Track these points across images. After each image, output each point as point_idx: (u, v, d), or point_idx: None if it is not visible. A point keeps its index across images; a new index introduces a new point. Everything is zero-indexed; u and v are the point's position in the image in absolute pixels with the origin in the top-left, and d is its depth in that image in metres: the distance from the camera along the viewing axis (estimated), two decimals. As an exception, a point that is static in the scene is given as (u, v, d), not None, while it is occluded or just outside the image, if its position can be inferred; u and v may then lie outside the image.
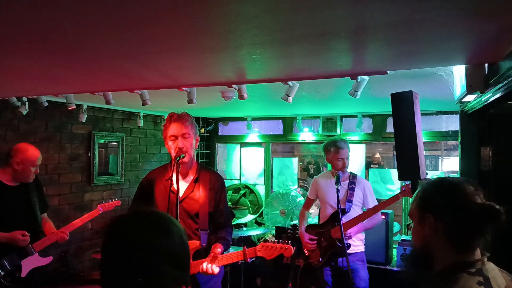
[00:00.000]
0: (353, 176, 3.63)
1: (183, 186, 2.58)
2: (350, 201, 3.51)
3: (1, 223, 3.03)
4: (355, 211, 3.52)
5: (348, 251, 3.37)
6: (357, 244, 3.54)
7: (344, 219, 3.39)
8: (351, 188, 3.55)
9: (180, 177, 2.56)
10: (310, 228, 3.67)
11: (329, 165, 5.48)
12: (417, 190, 1.37)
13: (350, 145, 5.09)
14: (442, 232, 1.24)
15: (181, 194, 2.55)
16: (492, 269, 1.24)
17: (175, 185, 2.52)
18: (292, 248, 2.45)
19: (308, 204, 3.85)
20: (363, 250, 3.62)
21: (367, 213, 3.38)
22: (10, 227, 3.03)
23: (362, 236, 3.61)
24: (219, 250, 2.39)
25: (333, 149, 3.55)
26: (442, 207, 1.24)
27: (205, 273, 2.35)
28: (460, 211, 1.22)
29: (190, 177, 2.59)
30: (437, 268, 1.28)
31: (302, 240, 3.63)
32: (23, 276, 3.08)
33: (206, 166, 2.73)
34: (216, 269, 2.35)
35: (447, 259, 1.25)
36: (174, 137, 2.49)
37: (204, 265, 2.35)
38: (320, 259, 3.52)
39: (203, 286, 2.47)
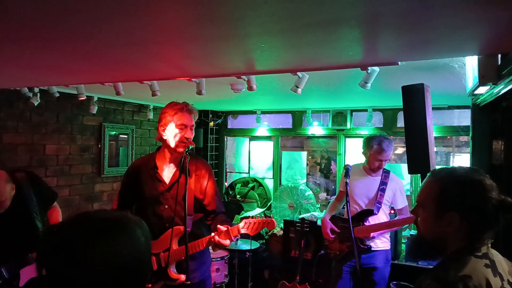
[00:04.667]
0: (385, 175, 3.46)
1: (169, 173, 2.57)
2: (379, 203, 3.38)
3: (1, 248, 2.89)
4: (383, 211, 3.42)
5: (372, 249, 3.33)
6: (381, 242, 3.42)
7: (371, 221, 3.35)
8: (381, 189, 3.40)
9: (166, 165, 2.58)
10: (335, 219, 3.56)
11: (338, 156, 5.46)
12: (427, 179, 1.37)
13: (359, 139, 5.06)
14: (465, 229, 1.26)
15: (167, 181, 2.55)
16: (497, 254, 1.30)
17: (163, 175, 2.55)
18: (274, 221, 2.43)
19: (340, 197, 3.68)
20: (388, 248, 3.47)
21: (396, 223, 3.28)
22: (11, 251, 2.89)
23: (387, 234, 3.48)
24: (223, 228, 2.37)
25: (376, 148, 3.33)
26: (469, 207, 1.26)
27: (218, 245, 2.34)
28: (485, 209, 1.24)
29: (177, 164, 2.58)
30: (445, 254, 1.31)
31: (323, 228, 3.52)
32: (21, 286, 2.92)
33: (192, 154, 2.65)
34: (224, 241, 2.33)
35: (455, 246, 1.28)
36: (184, 126, 2.48)
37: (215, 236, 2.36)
38: (338, 252, 3.47)
39: (191, 274, 2.44)
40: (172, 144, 2.49)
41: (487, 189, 1.25)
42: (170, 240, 2.44)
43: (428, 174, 1.41)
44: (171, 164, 2.57)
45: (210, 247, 2.50)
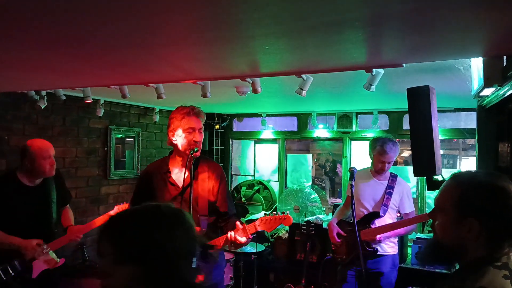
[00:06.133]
0: (392, 179, 3.44)
1: (181, 177, 2.58)
2: (386, 206, 3.36)
3: (15, 225, 2.97)
4: (390, 214, 3.40)
5: (378, 253, 3.31)
6: (388, 246, 3.40)
7: (378, 223, 3.33)
8: (388, 193, 3.39)
9: (178, 169, 2.60)
10: (342, 223, 3.55)
11: (343, 159, 5.45)
12: (447, 182, 1.32)
13: (365, 142, 5.04)
14: (485, 237, 1.22)
15: (180, 185, 2.57)
16: None
17: (176, 178, 2.56)
18: (291, 217, 2.43)
19: (347, 203, 3.62)
20: (396, 253, 3.45)
21: (401, 224, 3.25)
22: (23, 229, 2.98)
23: (395, 239, 3.45)
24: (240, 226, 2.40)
25: (379, 149, 3.33)
26: (490, 215, 1.20)
27: (235, 243, 2.36)
28: (508, 217, 1.20)
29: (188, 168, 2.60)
30: (462, 262, 1.26)
31: (330, 232, 3.51)
32: (33, 277, 2.99)
33: (204, 156, 2.70)
34: (241, 239, 2.36)
35: (474, 254, 1.23)
36: (192, 130, 2.51)
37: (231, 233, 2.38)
38: (344, 256, 3.46)
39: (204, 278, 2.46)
40: (182, 148, 2.52)
41: (510, 196, 1.19)
42: None
43: (449, 177, 1.34)
44: (183, 168, 2.59)
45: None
